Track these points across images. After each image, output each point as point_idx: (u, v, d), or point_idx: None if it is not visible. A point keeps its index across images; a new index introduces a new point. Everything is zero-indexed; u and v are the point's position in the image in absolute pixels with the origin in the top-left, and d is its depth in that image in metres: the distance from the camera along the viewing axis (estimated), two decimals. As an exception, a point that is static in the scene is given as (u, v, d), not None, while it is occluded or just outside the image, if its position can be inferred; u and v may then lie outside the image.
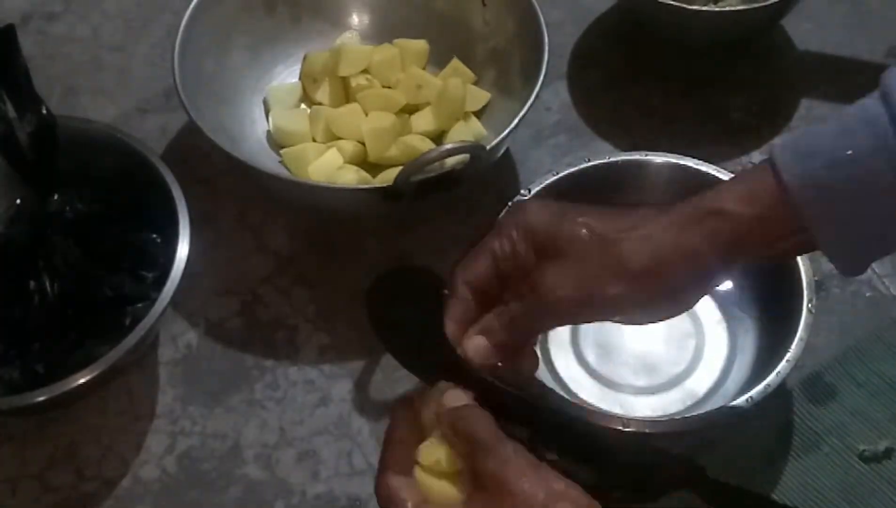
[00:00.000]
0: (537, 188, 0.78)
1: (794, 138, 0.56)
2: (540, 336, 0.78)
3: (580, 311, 0.59)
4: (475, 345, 0.59)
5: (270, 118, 0.90)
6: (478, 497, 0.54)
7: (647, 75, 0.97)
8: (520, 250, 0.59)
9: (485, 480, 0.53)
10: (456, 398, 0.57)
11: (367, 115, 0.88)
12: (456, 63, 0.91)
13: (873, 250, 0.57)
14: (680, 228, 0.57)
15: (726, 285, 0.80)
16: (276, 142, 0.90)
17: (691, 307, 0.61)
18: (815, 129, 0.56)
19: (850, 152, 0.53)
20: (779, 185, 0.55)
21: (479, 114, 0.90)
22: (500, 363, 0.60)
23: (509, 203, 0.77)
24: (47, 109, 0.75)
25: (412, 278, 0.71)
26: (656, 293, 0.58)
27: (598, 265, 0.57)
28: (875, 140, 0.53)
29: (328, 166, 0.86)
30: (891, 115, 0.52)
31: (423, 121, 0.88)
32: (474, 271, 0.61)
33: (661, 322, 0.78)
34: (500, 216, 0.63)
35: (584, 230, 0.58)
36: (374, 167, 0.88)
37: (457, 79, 0.89)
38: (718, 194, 0.57)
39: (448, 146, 0.77)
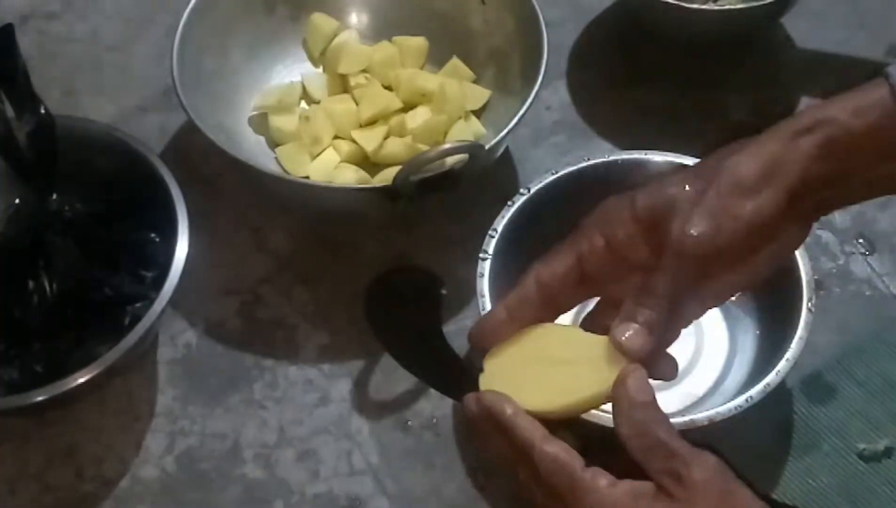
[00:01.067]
0: (537, 187, 0.78)
1: None
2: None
3: (722, 250, 0.55)
4: (629, 331, 0.55)
5: (269, 118, 0.90)
6: (665, 499, 0.52)
7: (646, 74, 0.97)
8: (623, 238, 0.57)
9: (683, 483, 0.51)
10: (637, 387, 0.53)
11: (362, 113, 0.88)
12: (455, 62, 0.91)
13: None
14: (790, 139, 0.55)
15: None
16: (275, 141, 0.90)
17: (793, 247, 0.58)
18: None
19: None
20: (894, 99, 0.53)
21: (478, 113, 0.90)
22: (650, 356, 0.56)
23: (508, 202, 0.77)
24: (46, 109, 0.75)
25: (411, 278, 0.71)
26: (775, 205, 0.54)
27: (718, 194, 0.54)
28: None
29: (326, 165, 0.87)
30: None
31: (422, 121, 0.88)
32: (552, 268, 0.59)
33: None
34: (582, 221, 0.60)
35: (687, 182, 0.56)
36: (373, 167, 0.88)
37: (454, 80, 0.89)
38: (827, 106, 0.55)
39: (447, 146, 0.77)
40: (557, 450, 0.54)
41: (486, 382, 0.58)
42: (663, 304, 0.55)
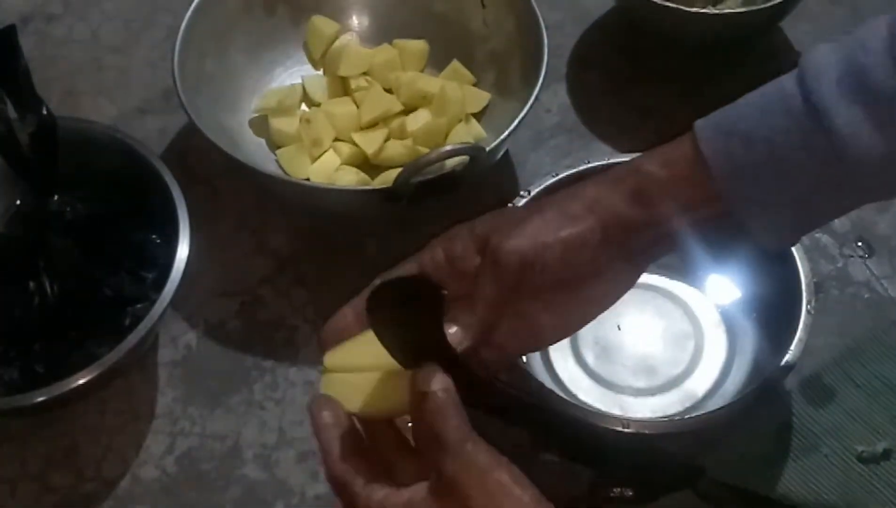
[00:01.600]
0: (536, 190, 0.78)
1: (716, 115, 0.59)
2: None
3: (537, 264, 0.58)
4: (450, 330, 0.58)
5: (269, 120, 0.90)
6: (434, 499, 0.52)
7: (646, 77, 0.97)
8: (460, 251, 0.60)
9: (443, 480, 0.51)
10: (432, 380, 0.53)
11: (363, 116, 0.89)
12: (455, 65, 0.92)
13: (790, 227, 0.59)
14: (610, 184, 0.59)
15: (726, 287, 0.80)
16: (275, 143, 0.90)
17: (624, 280, 0.61)
18: (737, 105, 0.59)
19: (765, 132, 0.56)
20: (697, 155, 0.57)
21: (478, 116, 0.91)
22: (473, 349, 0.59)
23: (509, 205, 0.77)
24: (48, 110, 0.75)
25: (411, 279, 0.71)
26: (590, 233, 0.58)
27: (541, 218, 0.59)
28: (788, 120, 0.56)
29: (326, 168, 0.87)
30: (804, 95, 0.55)
31: (422, 123, 0.88)
32: (395, 274, 0.61)
33: (660, 322, 0.79)
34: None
35: (518, 210, 0.61)
36: (373, 169, 0.88)
37: (454, 82, 0.89)
38: (643, 158, 0.60)
39: (447, 148, 0.77)
40: (343, 469, 0.54)
41: (325, 382, 0.59)
42: (480, 307, 0.58)
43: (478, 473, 0.51)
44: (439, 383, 0.53)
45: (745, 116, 0.58)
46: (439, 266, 0.61)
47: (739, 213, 0.57)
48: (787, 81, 0.58)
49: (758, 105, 0.58)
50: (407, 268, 0.61)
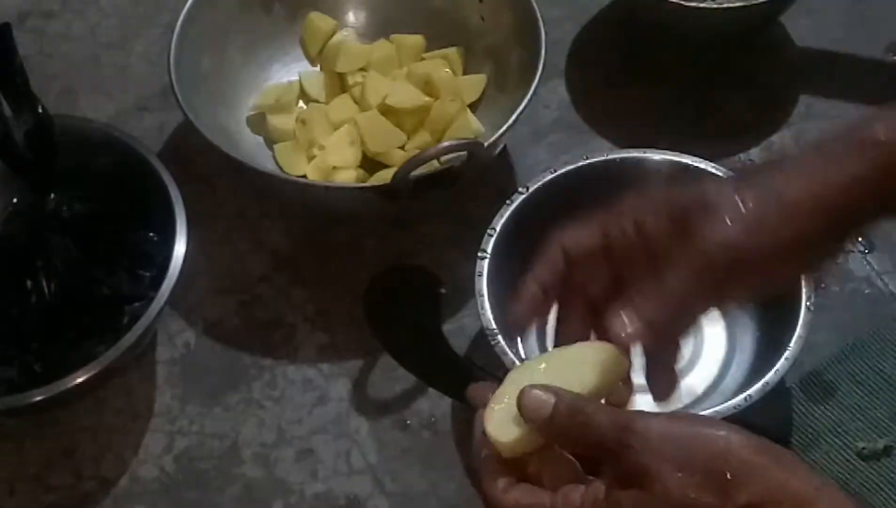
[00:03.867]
0: (535, 186, 0.78)
1: None
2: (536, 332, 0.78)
3: (753, 263, 0.53)
4: (623, 322, 0.53)
5: (266, 118, 0.90)
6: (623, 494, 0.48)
7: (645, 72, 0.97)
8: (653, 227, 0.54)
9: (627, 474, 0.47)
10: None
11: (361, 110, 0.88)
12: (447, 51, 0.91)
13: None
14: (844, 155, 0.52)
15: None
16: (273, 140, 0.89)
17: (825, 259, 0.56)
18: None
19: None
20: None
21: (476, 110, 0.90)
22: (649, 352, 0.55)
23: (507, 201, 0.77)
24: (44, 108, 0.75)
25: (410, 278, 0.71)
26: (818, 231, 0.52)
27: (761, 210, 0.52)
28: None
29: (323, 166, 0.86)
30: None
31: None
32: (578, 238, 0.56)
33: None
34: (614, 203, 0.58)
35: (730, 191, 0.54)
36: (371, 165, 0.88)
37: (444, 100, 0.88)
38: (868, 125, 0.52)
39: (445, 144, 0.77)
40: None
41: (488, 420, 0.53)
42: (671, 302, 0.54)
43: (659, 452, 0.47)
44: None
45: None
46: (627, 237, 0.55)
47: None
48: None
49: None
50: (590, 231, 0.56)
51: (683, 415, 0.49)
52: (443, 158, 0.78)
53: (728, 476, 0.46)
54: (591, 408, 0.49)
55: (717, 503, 0.46)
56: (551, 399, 0.50)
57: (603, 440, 0.49)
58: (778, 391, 0.70)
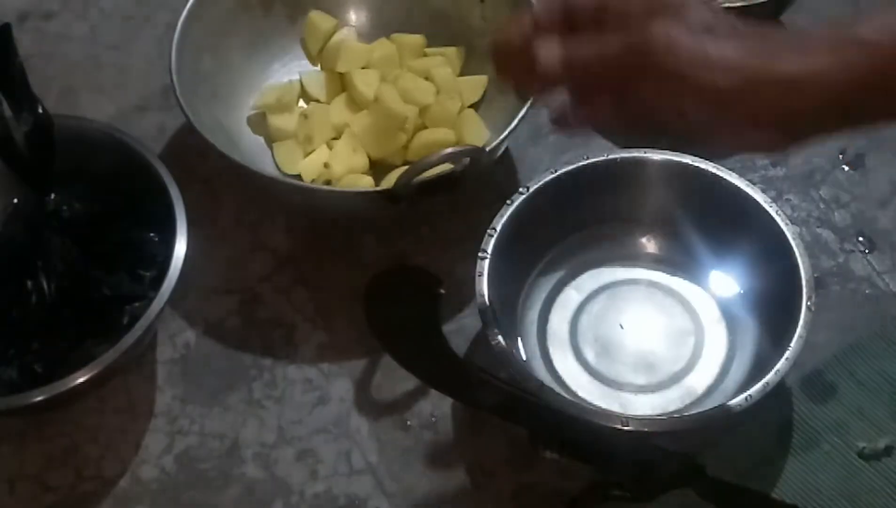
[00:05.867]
0: (536, 186, 0.78)
1: None
2: (536, 332, 0.78)
3: (690, 81, 0.50)
4: (550, 51, 0.52)
5: (267, 117, 0.90)
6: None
7: (645, 72, 0.97)
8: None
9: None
10: None
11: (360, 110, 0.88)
12: (445, 50, 0.91)
13: None
14: (844, 48, 0.50)
15: (726, 283, 0.79)
16: (273, 140, 0.89)
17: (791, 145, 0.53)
18: None
19: None
20: None
21: (477, 112, 0.90)
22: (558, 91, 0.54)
23: (507, 201, 0.77)
24: (44, 109, 0.75)
25: (409, 278, 0.71)
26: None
27: (747, 38, 0.51)
28: None
29: (316, 164, 0.86)
30: None
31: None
32: None
33: (660, 319, 0.79)
34: None
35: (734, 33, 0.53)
36: (379, 167, 0.87)
37: (447, 68, 0.88)
38: (844, 28, 0.51)
39: (448, 150, 0.76)
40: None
41: None
42: (602, 64, 0.53)
43: None
44: None
45: None
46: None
47: None
48: None
49: None
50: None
51: None
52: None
53: None
54: None
55: None
56: None
57: None
58: (779, 391, 0.70)
